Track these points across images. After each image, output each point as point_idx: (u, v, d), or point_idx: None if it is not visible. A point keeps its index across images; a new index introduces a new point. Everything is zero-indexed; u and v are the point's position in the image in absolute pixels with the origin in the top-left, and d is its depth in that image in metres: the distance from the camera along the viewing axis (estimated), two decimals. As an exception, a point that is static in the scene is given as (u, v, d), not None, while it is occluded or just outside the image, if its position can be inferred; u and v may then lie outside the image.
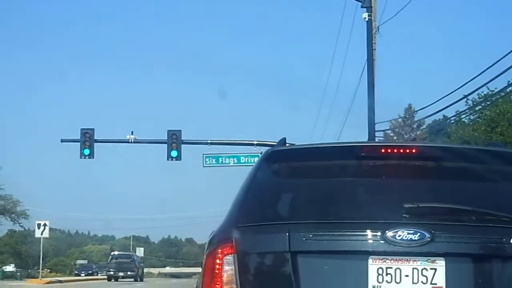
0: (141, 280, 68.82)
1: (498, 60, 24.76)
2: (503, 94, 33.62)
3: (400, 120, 46.46)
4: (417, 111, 45.03)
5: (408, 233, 3.59)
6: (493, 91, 34.45)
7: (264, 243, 3.78)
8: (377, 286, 3.62)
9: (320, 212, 3.89)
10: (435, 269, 3.61)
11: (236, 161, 39.17)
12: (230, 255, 3.69)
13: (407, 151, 4.30)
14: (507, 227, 3.68)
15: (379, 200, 3.89)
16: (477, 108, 39.69)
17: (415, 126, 47.97)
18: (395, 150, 4.31)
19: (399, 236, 3.59)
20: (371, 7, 24.93)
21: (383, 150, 4.25)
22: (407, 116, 46.72)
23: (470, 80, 28.12)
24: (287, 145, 4.86)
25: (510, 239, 3.61)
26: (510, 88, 31.72)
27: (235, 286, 3.67)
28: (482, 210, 3.74)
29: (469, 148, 5.41)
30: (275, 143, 4.87)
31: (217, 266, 3.71)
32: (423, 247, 3.58)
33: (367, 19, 25.23)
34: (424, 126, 47.00)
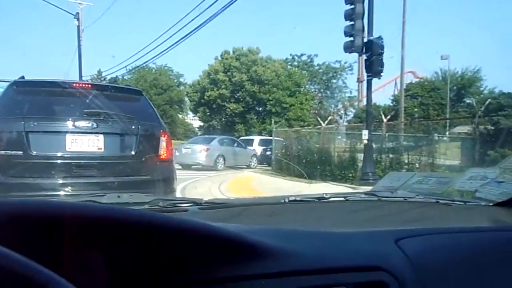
0: None
1: None
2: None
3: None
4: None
5: (87, 123, 3.50)
6: None
7: (12, 126, 3.39)
8: (70, 147, 3.46)
9: (42, 113, 3.50)
10: (99, 139, 3.56)
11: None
12: None
13: (84, 85, 4.01)
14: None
15: (72, 107, 3.62)
16: None
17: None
18: (80, 85, 4.01)
19: (82, 124, 3.49)
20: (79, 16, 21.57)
21: (74, 84, 3.90)
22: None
23: None
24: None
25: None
26: None
27: None
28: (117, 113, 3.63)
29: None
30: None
31: None
32: (93, 129, 3.51)
33: (77, 24, 21.04)
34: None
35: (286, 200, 1.08)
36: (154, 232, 0.58)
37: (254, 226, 0.76)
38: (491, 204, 1.23)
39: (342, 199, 1.17)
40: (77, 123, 3.51)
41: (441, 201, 1.19)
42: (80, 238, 0.52)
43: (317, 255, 0.69)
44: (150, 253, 0.58)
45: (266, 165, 16.53)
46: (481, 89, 28.99)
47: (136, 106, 3.98)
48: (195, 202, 1.00)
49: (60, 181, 3.42)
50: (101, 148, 3.59)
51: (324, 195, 1.13)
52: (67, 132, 3.49)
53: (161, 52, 16.85)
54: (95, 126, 3.54)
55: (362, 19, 8.65)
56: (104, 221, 0.55)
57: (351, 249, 0.74)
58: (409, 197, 1.18)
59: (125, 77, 31.96)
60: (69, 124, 3.51)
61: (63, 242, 0.51)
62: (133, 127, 3.71)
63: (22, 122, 3.37)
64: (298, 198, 1.10)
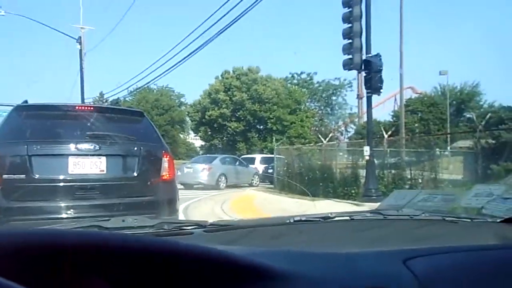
0: None
1: None
2: None
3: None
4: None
5: (89, 145, 3.51)
6: None
7: (15, 150, 3.41)
8: (73, 170, 3.47)
9: (45, 136, 3.54)
10: (101, 161, 3.55)
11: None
12: None
13: (86, 108, 4.11)
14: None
15: (74, 130, 3.64)
16: None
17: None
18: (82, 108, 4.11)
19: (85, 147, 3.49)
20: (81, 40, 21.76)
21: (76, 107, 3.96)
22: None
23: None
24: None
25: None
26: None
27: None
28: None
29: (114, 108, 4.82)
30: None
31: None
32: (96, 151, 3.52)
33: (79, 48, 21.41)
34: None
35: (291, 221, 1.07)
36: (160, 258, 0.57)
37: (260, 248, 0.75)
38: (498, 220, 1.21)
39: (348, 218, 1.16)
40: (80, 146, 3.52)
41: (447, 219, 1.18)
42: (85, 266, 0.52)
43: (325, 277, 0.68)
44: (157, 278, 0.57)
45: (268, 183, 16.46)
46: (481, 103, 29.08)
47: (138, 127, 4.00)
48: (199, 225, 0.99)
49: (63, 204, 3.41)
50: (103, 170, 3.58)
51: (329, 215, 1.12)
52: (69, 154, 3.50)
53: (162, 73, 17.04)
54: (98, 148, 3.54)
55: (360, 37, 8.76)
56: (109, 249, 0.55)
57: (359, 270, 0.73)
58: (415, 215, 1.16)
59: (126, 99, 32.20)
60: (72, 146, 3.52)
61: (69, 271, 0.51)
62: (135, 148, 3.72)
63: (25, 146, 3.39)
64: (303, 218, 1.10)
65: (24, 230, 0.52)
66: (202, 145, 37.97)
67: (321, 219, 1.11)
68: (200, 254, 0.60)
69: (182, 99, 40.66)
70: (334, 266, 0.72)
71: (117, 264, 0.54)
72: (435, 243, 0.93)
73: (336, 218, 1.13)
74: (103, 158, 3.58)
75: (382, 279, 0.71)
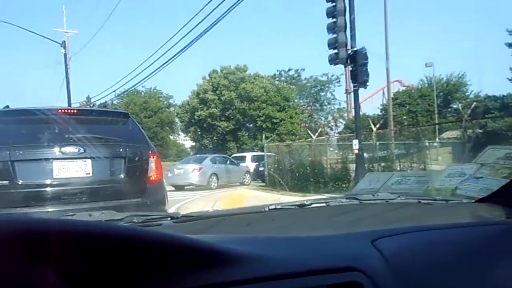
0: None
1: None
2: None
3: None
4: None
5: (74, 148, 3.47)
6: None
7: None
8: (58, 174, 3.41)
9: (27, 141, 3.47)
10: (87, 164, 3.52)
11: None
12: None
13: (70, 111, 4.05)
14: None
15: (58, 134, 3.55)
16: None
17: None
18: (65, 111, 4.00)
19: (69, 150, 3.45)
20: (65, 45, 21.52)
21: (59, 111, 3.85)
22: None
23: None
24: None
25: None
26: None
27: None
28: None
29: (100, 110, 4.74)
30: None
31: None
32: (80, 154, 3.48)
33: (64, 52, 20.70)
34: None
35: (266, 209, 1.07)
36: (120, 245, 0.57)
37: (228, 235, 0.75)
38: (473, 201, 1.23)
39: (324, 204, 1.16)
40: (64, 149, 3.47)
41: (423, 201, 1.19)
42: (35, 253, 0.51)
43: (291, 259, 0.68)
44: (119, 266, 0.57)
45: (260, 181, 16.46)
46: (467, 93, 29.40)
47: (123, 128, 3.96)
48: (171, 217, 0.98)
49: (49, 209, 3.36)
50: (89, 173, 3.54)
51: (305, 202, 1.12)
52: (54, 158, 3.45)
53: (149, 75, 16.92)
54: (82, 151, 3.50)
55: (345, 31, 8.80)
56: (68, 236, 0.54)
57: (327, 251, 0.73)
58: (390, 199, 1.17)
59: (114, 102, 31.92)
60: (56, 150, 3.47)
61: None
62: (121, 150, 3.68)
63: (7, 152, 3.33)
64: (278, 206, 1.09)
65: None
66: (192, 146, 37.81)
67: (296, 207, 1.11)
68: (159, 241, 0.60)
69: (170, 100, 40.42)
70: (301, 248, 0.72)
71: (70, 252, 0.53)
72: (407, 224, 0.94)
73: (312, 205, 1.13)
74: (89, 161, 3.54)
75: (349, 259, 0.71)
